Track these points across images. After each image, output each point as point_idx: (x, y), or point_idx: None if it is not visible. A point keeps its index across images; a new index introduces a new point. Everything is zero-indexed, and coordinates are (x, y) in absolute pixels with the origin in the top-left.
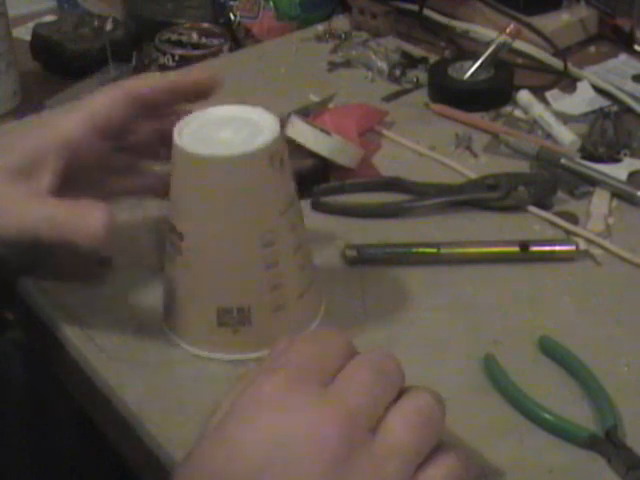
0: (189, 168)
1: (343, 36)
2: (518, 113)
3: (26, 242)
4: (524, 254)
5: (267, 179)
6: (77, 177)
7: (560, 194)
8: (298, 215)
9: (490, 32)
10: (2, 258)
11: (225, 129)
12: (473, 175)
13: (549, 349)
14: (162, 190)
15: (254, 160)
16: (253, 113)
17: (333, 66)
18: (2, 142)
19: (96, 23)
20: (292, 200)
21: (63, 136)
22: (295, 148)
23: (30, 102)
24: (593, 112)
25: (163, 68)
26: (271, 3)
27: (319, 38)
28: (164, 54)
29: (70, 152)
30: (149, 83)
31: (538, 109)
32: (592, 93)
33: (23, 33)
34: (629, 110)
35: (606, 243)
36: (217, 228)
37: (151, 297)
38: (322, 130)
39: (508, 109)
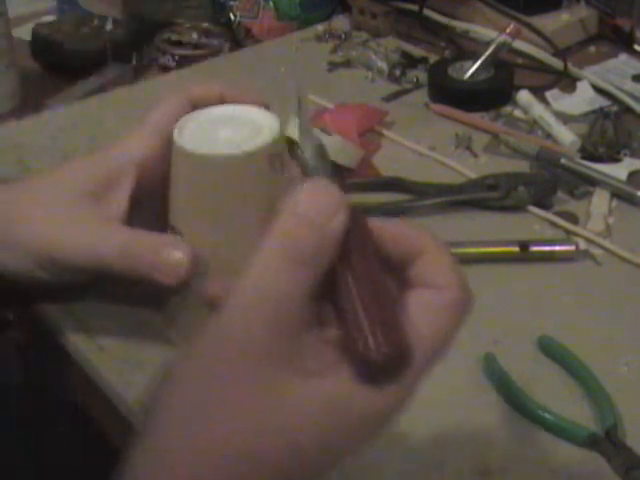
0: (188, 167)
1: (343, 36)
2: (518, 113)
3: (92, 269)
4: (524, 254)
5: (266, 179)
6: (143, 204)
7: (560, 194)
8: None
9: (490, 32)
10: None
11: (225, 128)
12: (473, 175)
13: (549, 349)
14: None
15: (253, 160)
16: (253, 112)
17: (333, 66)
18: (73, 165)
19: (96, 23)
20: None
21: (132, 153)
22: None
23: (30, 102)
24: (593, 112)
25: (163, 68)
26: (271, 3)
27: (319, 38)
28: (164, 54)
29: (140, 170)
30: (213, 92)
31: (538, 109)
32: (592, 93)
33: (23, 33)
34: (629, 110)
35: (606, 243)
36: (215, 227)
37: (151, 297)
38: (322, 130)
39: (508, 109)
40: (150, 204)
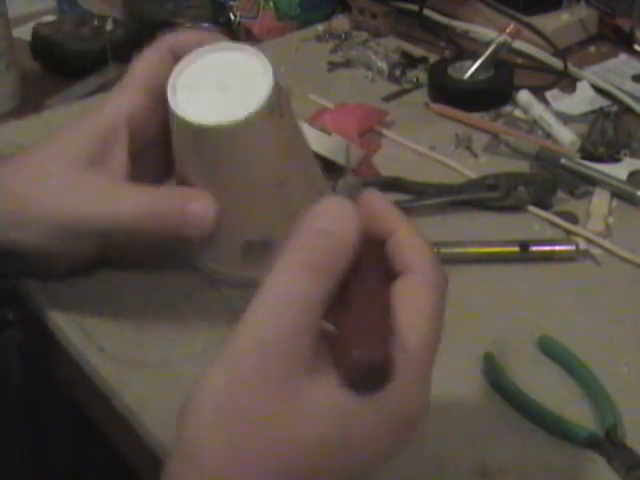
0: (190, 135)
1: (343, 36)
2: (518, 113)
3: (111, 234)
4: (524, 254)
5: (271, 130)
6: (141, 157)
7: (560, 194)
8: (306, 150)
9: (490, 32)
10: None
11: (219, 87)
12: (473, 175)
13: (549, 349)
14: None
15: (254, 120)
16: (243, 58)
17: (333, 66)
18: (67, 132)
19: (96, 23)
20: (296, 136)
21: (122, 109)
22: None
23: (30, 102)
24: (593, 112)
25: None
26: (271, 3)
27: (319, 38)
28: None
29: (131, 126)
30: (189, 38)
31: (538, 109)
32: (592, 93)
33: (23, 33)
34: (629, 110)
35: (606, 243)
36: (225, 185)
37: (151, 297)
38: (322, 130)
39: (508, 109)
40: (147, 156)
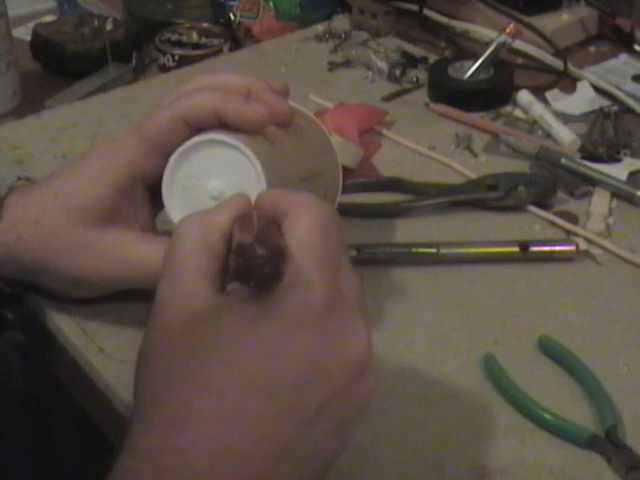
0: None
1: (343, 36)
2: (518, 113)
3: (137, 285)
4: (524, 254)
5: None
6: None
7: (560, 194)
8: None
9: (490, 32)
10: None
11: (214, 195)
12: (473, 175)
13: (549, 349)
14: None
15: None
16: (238, 159)
17: (333, 66)
18: (80, 184)
19: (96, 23)
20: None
21: (137, 170)
22: None
23: (30, 102)
24: (593, 112)
25: (163, 68)
26: (271, 3)
27: (319, 38)
28: (164, 54)
29: (145, 182)
30: (203, 105)
31: (538, 109)
32: (592, 93)
33: (23, 33)
34: (629, 110)
35: (606, 243)
36: None
37: (151, 296)
38: None
39: (508, 109)
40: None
